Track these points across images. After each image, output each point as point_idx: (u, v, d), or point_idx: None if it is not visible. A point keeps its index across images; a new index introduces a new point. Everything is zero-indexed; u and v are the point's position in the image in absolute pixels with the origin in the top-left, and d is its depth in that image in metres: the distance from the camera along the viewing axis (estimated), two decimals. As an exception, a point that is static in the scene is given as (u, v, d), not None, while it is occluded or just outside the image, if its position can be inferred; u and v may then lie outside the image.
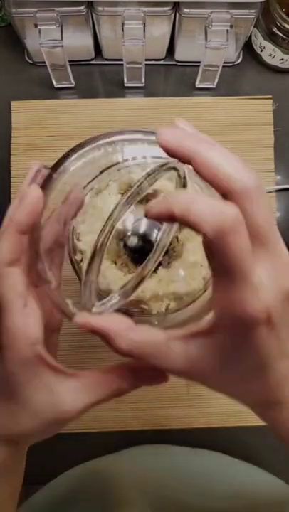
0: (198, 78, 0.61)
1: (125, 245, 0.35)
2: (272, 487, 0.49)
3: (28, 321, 0.25)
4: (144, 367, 0.26)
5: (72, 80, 0.61)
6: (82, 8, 0.52)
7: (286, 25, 0.55)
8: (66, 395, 0.25)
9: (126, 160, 0.33)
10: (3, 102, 0.61)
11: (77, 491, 0.45)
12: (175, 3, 0.52)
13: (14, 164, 0.60)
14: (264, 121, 0.62)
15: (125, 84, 0.62)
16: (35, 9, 0.51)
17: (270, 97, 0.62)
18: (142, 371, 0.27)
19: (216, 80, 0.61)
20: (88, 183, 0.33)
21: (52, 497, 0.46)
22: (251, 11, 0.52)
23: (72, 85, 0.62)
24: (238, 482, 0.48)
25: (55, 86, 0.61)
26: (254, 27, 0.58)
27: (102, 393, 0.27)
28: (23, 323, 0.25)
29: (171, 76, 0.64)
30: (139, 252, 0.34)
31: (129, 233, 0.34)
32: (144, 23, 0.52)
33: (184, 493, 0.44)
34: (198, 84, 0.62)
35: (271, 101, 0.62)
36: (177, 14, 0.54)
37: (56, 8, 0.51)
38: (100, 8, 0.52)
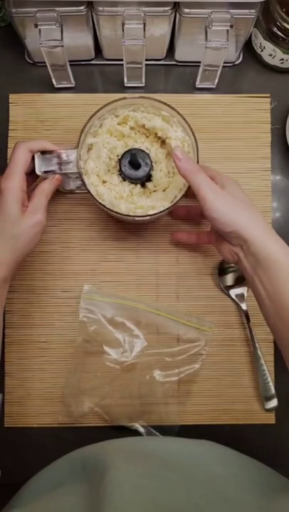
0: (199, 78, 0.61)
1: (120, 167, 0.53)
2: (262, 473, 0.50)
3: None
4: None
5: (73, 80, 0.61)
6: (82, 8, 0.52)
7: (286, 25, 0.55)
8: (38, 214, 0.48)
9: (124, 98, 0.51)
10: (2, 101, 0.61)
11: (74, 471, 0.46)
12: (175, 3, 0.52)
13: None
14: (262, 120, 0.62)
15: (125, 84, 0.62)
16: (36, 9, 0.51)
17: (268, 95, 0.62)
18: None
19: (216, 80, 0.61)
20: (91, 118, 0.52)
21: (50, 478, 0.48)
22: (251, 11, 0.52)
23: (73, 85, 0.62)
24: (229, 468, 0.49)
25: (56, 86, 0.61)
26: (254, 27, 0.58)
27: (45, 200, 0.49)
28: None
29: (171, 76, 0.64)
30: (130, 167, 0.52)
31: (126, 155, 0.52)
32: (144, 23, 0.52)
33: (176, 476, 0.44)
34: (198, 84, 0.62)
35: (269, 99, 0.62)
36: (177, 14, 0.54)
37: (56, 8, 0.51)
38: (100, 8, 0.52)
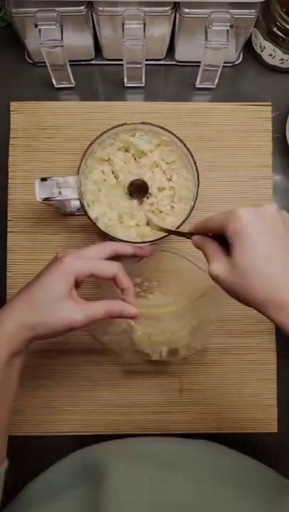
0: (198, 78, 0.61)
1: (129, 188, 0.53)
2: (262, 473, 0.50)
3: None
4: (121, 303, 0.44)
5: (73, 80, 0.61)
6: (82, 8, 0.52)
7: (286, 25, 0.55)
8: (77, 310, 0.41)
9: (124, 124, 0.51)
10: (3, 102, 0.61)
11: (75, 474, 0.46)
12: (175, 3, 0.52)
13: (12, 165, 0.60)
14: (263, 128, 0.61)
15: (125, 84, 0.61)
16: (36, 9, 0.51)
17: (270, 103, 0.61)
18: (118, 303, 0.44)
19: (216, 80, 0.61)
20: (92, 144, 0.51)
21: (50, 482, 0.47)
22: (251, 10, 0.52)
23: (73, 85, 0.62)
24: (231, 468, 0.49)
25: (55, 86, 0.61)
26: (254, 27, 0.58)
27: (97, 313, 0.42)
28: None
29: (171, 76, 0.64)
30: (135, 190, 0.53)
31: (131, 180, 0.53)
32: (144, 23, 0.52)
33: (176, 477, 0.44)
34: (198, 84, 0.62)
35: (270, 108, 0.61)
36: (177, 14, 0.54)
37: (56, 8, 0.51)
38: (100, 8, 0.52)
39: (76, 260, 0.42)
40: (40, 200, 0.49)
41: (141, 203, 0.53)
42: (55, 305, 0.41)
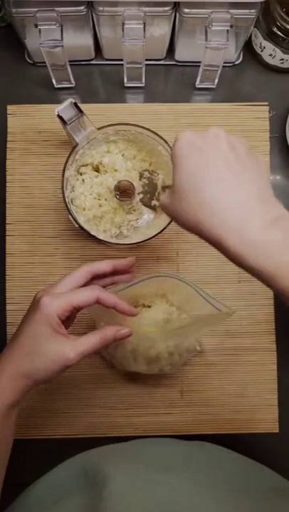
0: (199, 78, 0.61)
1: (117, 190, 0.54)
2: (263, 475, 0.50)
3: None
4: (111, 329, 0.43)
5: (73, 80, 0.61)
6: (82, 8, 0.52)
7: (286, 25, 0.55)
8: (68, 348, 0.41)
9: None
10: (2, 101, 0.61)
11: (76, 479, 0.46)
12: (175, 3, 0.52)
13: (9, 169, 0.59)
14: (260, 128, 0.61)
15: (125, 85, 0.61)
16: (36, 9, 0.51)
17: (267, 103, 0.61)
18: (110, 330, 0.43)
19: (216, 80, 0.61)
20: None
21: (51, 485, 0.47)
22: (251, 10, 0.52)
23: (73, 85, 0.62)
24: (232, 470, 0.49)
25: (55, 86, 0.61)
26: (254, 27, 0.58)
27: (89, 347, 0.41)
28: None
29: (171, 76, 0.64)
30: (123, 193, 0.54)
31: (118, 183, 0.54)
32: (144, 23, 0.52)
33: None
34: (198, 84, 0.62)
35: (267, 108, 0.61)
36: (177, 14, 0.54)
37: (56, 8, 0.51)
38: (100, 8, 0.52)
39: (54, 300, 0.41)
40: (56, 113, 0.50)
41: (121, 205, 0.54)
42: (45, 348, 0.40)
